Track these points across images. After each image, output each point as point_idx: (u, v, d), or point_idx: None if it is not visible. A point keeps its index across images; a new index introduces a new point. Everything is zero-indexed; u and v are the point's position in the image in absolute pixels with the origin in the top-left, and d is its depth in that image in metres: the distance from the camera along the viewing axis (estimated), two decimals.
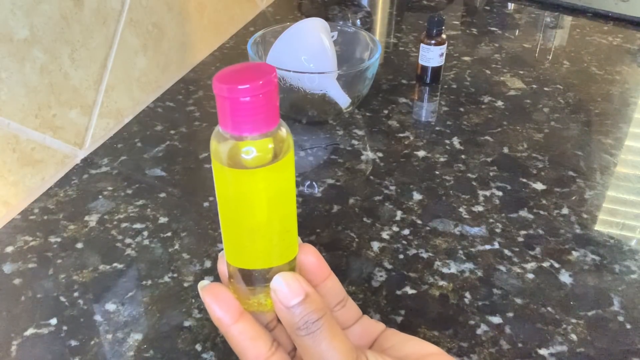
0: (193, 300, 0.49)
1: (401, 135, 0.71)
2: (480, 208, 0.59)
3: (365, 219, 0.57)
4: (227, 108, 0.25)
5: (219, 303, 0.29)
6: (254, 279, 0.29)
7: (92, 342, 0.45)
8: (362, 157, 0.67)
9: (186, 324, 0.47)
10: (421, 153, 0.67)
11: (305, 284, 0.28)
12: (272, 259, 0.29)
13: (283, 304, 0.27)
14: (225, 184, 0.27)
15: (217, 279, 0.50)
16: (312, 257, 0.31)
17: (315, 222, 0.57)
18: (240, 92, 0.25)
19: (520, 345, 0.45)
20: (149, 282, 0.50)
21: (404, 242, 0.55)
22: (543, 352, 0.45)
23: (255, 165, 0.26)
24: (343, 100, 0.69)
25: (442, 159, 0.66)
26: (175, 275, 0.51)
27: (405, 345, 0.31)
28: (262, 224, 0.28)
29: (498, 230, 0.56)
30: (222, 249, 0.31)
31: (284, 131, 0.27)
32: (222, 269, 0.31)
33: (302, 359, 0.30)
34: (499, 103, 0.77)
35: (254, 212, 0.28)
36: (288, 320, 0.27)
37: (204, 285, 0.29)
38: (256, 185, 0.27)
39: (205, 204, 0.59)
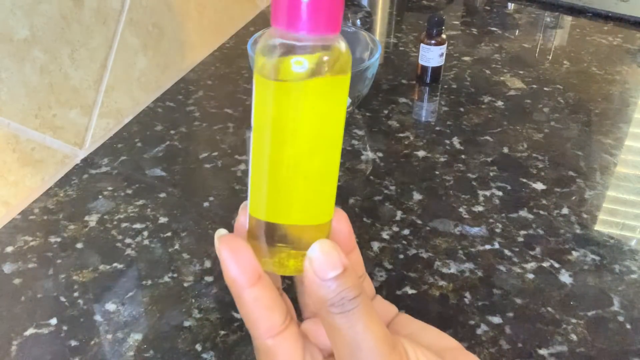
0: (193, 300, 0.49)
1: (401, 135, 0.71)
2: (480, 208, 0.59)
3: (365, 219, 0.57)
4: None
5: (237, 260, 0.24)
6: (279, 236, 0.25)
7: (92, 342, 0.45)
8: (362, 157, 0.67)
9: (186, 324, 0.47)
10: (421, 153, 0.67)
11: (344, 257, 0.24)
12: (304, 214, 0.25)
13: (318, 276, 0.24)
14: (266, 104, 0.24)
15: (219, 276, 0.51)
16: (344, 225, 0.28)
17: None
18: None
19: (520, 345, 0.45)
20: (149, 282, 0.50)
21: (404, 242, 0.55)
22: (543, 352, 0.45)
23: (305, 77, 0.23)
24: None
25: (442, 159, 0.66)
26: (175, 275, 0.51)
27: (424, 335, 0.29)
28: (303, 158, 0.24)
29: (498, 230, 0.56)
30: (245, 203, 0.27)
31: (343, 46, 0.24)
32: (243, 220, 0.27)
33: (314, 337, 0.28)
34: (499, 103, 0.77)
35: (296, 140, 0.24)
36: (321, 295, 0.24)
37: (222, 235, 0.25)
38: (303, 102, 0.23)
39: (205, 204, 0.59)
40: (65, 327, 0.46)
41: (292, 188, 0.25)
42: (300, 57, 0.23)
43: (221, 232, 0.26)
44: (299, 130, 0.24)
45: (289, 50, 0.23)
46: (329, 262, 0.24)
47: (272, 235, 0.26)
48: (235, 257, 0.24)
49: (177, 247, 0.54)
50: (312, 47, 0.23)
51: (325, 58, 0.23)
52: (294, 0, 0.22)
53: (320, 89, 0.23)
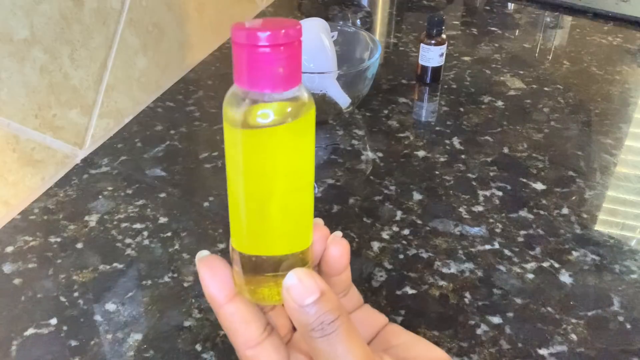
0: (193, 300, 0.49)
1: (401, 135, 0.71)
2: (480, 208, 0.59)
3: (365, 219, 0.57)
4: (244, 58, 0.23)
5: (215, 278, 0.27)
6: (254, 267, 0.27)
7: (92, 342, 0.45)
8: (362, 157, 0.67)
9: (186, 324, 0.47)
10: (421, 153, 0.67)
11: (321, 281, 0.25)
12: (278, 246, 0.26)
13: (296, 303, 0.25)
14: (236, 150, 0.25)
15: None
16: (341, 251, 0.29)
17: None
18: (260, 39, 0.22)
19: (520, 345, 0.45)
20: (149, 282, 0.50)
21: (404, 242, 0.55)
22: (543, 352, 0.45)
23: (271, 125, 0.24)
24: (343, 100, 0.69)
25: (442, 159, 0.66)
26: (175, 275, 0.51)
27: (414, 346, 0.30)
28: (273, 198, 0.25)
29: (498, 230, 0.56)
30: (225, 247, 0.29)
31: (305, 96, 0.25)
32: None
33: (299, 346, 0.29)
34: (499, 103, 0.77)
35: (265, 183, 0.25)
36: (301, 321, 0.25)
37: (203, 256, 0.28)
38: (270, 147, 0.24)
39: (205, 204, 0.59)
40: (65, 327, 0.46)
41: (264, 224, 0.26)
42: (266, 109, 0.24)
43: (202, 253, 0.28)
44: (267, 174, 0.25)
45: (254, 101, 0.24)
46: (306, 288, 0.25)
47: (247, 266, 0.27)
48: (213, 276, 0.27)
49: (177, 247, 0.54)
50: (275, 99, 0.24)
51: (289, 109, 0.24)
52: (255, 63, 0.23)
53: (285, 134, 0.24)
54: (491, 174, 0.64)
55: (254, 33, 0.22)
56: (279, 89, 0.24)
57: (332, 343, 0.25)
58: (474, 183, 0.63)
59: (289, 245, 0.27)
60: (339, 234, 0.30)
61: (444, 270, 0.52)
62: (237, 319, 0.27)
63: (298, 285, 0.25)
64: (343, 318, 0.25)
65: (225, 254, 0.53)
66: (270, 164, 0.25)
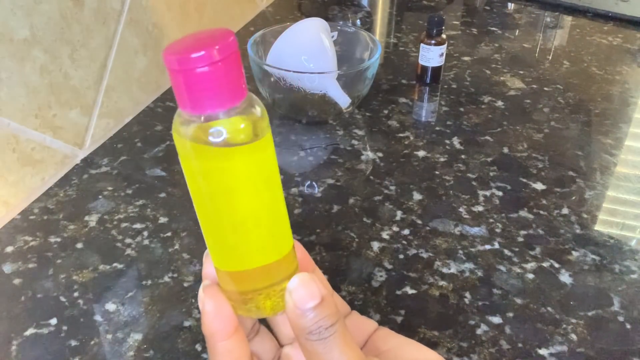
0: (193, 300, 0.49)
1: (401, 135, 0.71)
2: (480, 208, 0.59)
3: (365, 219, 0.57)
4: (181, 83, 0.22)
5: (219, 314, 0.27)
6: (248, 281, 0.27)
7: (92, 342, 0.45)
8: (362, 157, 0.67)
9: (186, 324, 0.47)
10: (421, 153, 0.67)
11: (322, 287, 0.26)
12: (263, 256, 0.26)
13: (298, 307, 0.25)
14: (194, 173, 0.24)
15: None
16: (300, 252, 0.30)
17: (315, 222, 0.57)
18: (194, 61, 0.21)
19: (520, 345, 0.45)
20: (149, 282, 0.50)
21: (404, 242, 0.55)
22: (543, 352, 0.45)
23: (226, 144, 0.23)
24: (343, 100, 0.69)
25: (442, 159, 0.66)
26: (175, 275, 0.51)
27: (404, 349, 0.30)
28: (242, 217, 0.25)
29: (498, 230, 0.56)
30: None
31: (257, 109, 0.24)
32: (208, 271, 0.29)
33: None
34: (499, 103, 0.77)
35: (231, 202, 0.24)
36: (300, 324, 0.26)
37: (207, 285, 0.27)
38: (229, 170, 0.23)
39: None
40: (65, 327, 0.46)
41: (241, 240, 0.25)
42: (217, 128, 0.23)
43: (207, 282, 0.27)
44: (231, 195, 0.24)
45: (203, 122, 0.23)
46: (308, 293, 0.25)
47: (241, 283, 0.27)
48: (218, 312, 0.27)
49: (177, 247, 0.54)
50: (226, 116, 0.23)
51: (242, 125, 0.23)
52: (192, 84, 0.22)
53: (242, 154, 0.23)
54: (491, 174, 0.64)
55: (187, 56, 0.21)
56: (225, 106, 0.23)
57: (328, 346, 0.25)
58: (474, 183, 0.63)
59: (271, 253, 0.26)
60: None
61: (444, 270, 0.52)
62: (231, 356, 0.27)
63: (300, 289, 0.26)
64: (340, 323, 0.26)
65: None
66: (233, 186, 0.24)
